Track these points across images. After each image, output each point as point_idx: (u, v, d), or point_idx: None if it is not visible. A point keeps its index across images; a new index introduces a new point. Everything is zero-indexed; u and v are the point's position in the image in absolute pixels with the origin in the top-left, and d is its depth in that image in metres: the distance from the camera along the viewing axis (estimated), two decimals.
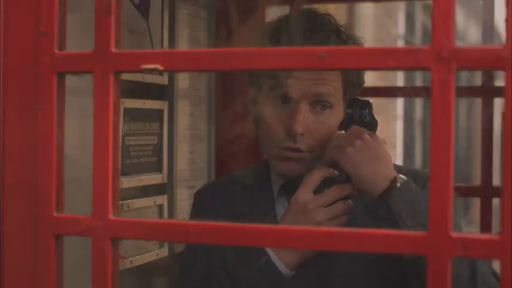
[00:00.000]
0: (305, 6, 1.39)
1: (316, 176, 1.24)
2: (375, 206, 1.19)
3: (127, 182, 1.49)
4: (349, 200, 1.23)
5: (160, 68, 0.77)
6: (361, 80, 1.33)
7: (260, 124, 1.31)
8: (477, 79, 2.08)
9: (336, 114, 1.29)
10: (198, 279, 1.33)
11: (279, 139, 1.27)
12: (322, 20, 1.30)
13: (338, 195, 1.23)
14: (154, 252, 1.62)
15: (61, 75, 0.83)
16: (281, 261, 1.23)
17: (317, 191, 1.24)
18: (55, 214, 0.83)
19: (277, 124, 1.27)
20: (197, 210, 1.43)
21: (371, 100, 1.35)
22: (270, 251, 1.24)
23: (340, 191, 1.23)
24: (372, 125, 1.32)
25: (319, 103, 1.26)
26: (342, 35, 1.30)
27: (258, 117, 1.32)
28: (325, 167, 1.26)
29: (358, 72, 1.31)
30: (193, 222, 0.77)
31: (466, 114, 8.76)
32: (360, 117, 1.32)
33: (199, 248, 1.35)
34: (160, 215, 1.64)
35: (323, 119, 1.27)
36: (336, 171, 1.26)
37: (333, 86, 1.26)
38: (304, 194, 1.23)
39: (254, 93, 1.33)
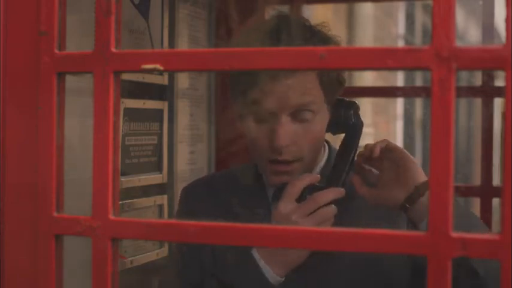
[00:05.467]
0: (276, 13, 1.37)
1: (297, 186, 1.24)
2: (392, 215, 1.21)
3: (127, 182, 1.49)
4: (332, 205, 1.23)
5: (160, 68, 0.77)
6: (340, 78, 1.31)
7: (247, 138, 1.31)
8: (477, 79, 2.08)
9: (320, 119, 1.28)
10: (190, 284, 1.33)
11: (266, 152, 1.27)
12: (293, 27, 1.29)
13: (320, 202, 1.22)
14: (154, 252, 1.62)
15: (61, 75, 0.83)
16: (270, 268, 1.23)
17: (302, 199, 1.24)
18: (55, 214, 0.83)
19: (262, 138, 1.27)
20: (183, 208, 1.43)
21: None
22: (259, 259, 1.24)
23: (322, 197, 1.23)
24: (357, 127, 1.31)
25: (301, 113, 1.25)
26: (313, 39, 1.28)
27: (244, 132, 1.32)
28: (307, 176, 1.26)
29: (335, 71, 1.29)
30: (193, 222, 0.77)
31: (466, 114, 8.76)
32: (345, 119, 1.31)
33: (189, 252, 1.35)
34: (160, 215, 1.63)
35: (307, 127, 1.26)
36: (318, 176, 1.26)
37: (312, 94, 1.25)
38: (286, 204, 1.23)
39: (238, 107, 1.32)
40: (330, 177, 1.29)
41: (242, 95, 1.29)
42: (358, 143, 1.31)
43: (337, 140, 1.39)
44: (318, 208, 1.22)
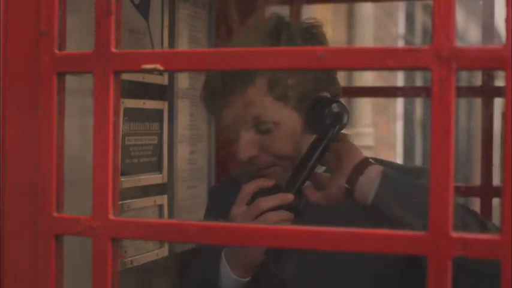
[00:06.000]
0: (273, 15, 1.38)
1: (247, 190, 1.27)
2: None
3: (127, 182, 1.49)
4: (282, 211, 1.24)
5: (160, 68, 0.77)
6: (292, 81, 1.28)
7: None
8: (477, 79, 2.08)
9: (286, 127, 1.28)
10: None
11: (241, 162, 1.30)
12: (291, 30, 1.30)
13: (261, 208, 1.24)
14: (154, 252, 1.62)
15: (61, 75, 0.83)
16: (230, 268, 1.28)
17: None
18: (55, 214, 0.83)
19: (234, 150, 1.30)
20: (212, 205, 1.50)
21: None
22: (223, 259, 1.29)
23: (264, 203, 1.24)
24: (333, 125, 1.28)
25: (259, 125, 1.27)
26: (311, 40, 1.30)
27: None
28: (258, 180, 1.28)
29: (286, 75, 1.28)
30: (193, 222, 0.77)
31: (466, 114, 8.76)
32: (319, 118, 1.29)
33: (198, 252, 1.40)
34: (160, 215, 1.63)
35: (272, 136, 1.27)
36: (270, 181, 1.27)
37: (262, 107, 1.26)
38: (237, 207, 1.26)
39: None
40: (286, 181, 1.28)
41: (211, 110, 1.34)
42: (326, 145, 1.27)
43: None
44: (266, 212, 1.23)
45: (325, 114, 1.29)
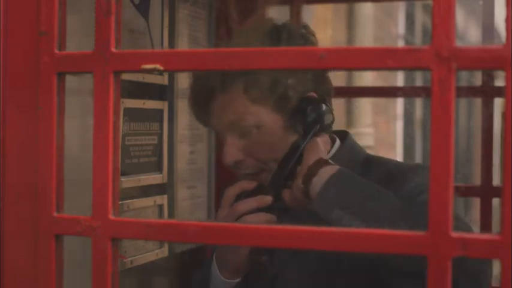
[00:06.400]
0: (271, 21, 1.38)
1: (231, 192, 1.29)
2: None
3: (127, 182, 1.49)
4: (263, 213, 1.25)
5: (160, 68, 0.77)
6: (269, 83, 1.27)
7: None
8: (477, 79, 2.08)
9: (268, 130, 1.27)
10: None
11: (227, 167, 1.32)
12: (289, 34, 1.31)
13: (240, 211, 1.25)
14: (154, 252, 1.62)
15: (61, 75, 0.83)
16: (218, 270, 1.32)
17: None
18: (55, 214, 0.83)
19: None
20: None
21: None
22: (214, 260, 1.33)
23: (242, 206, 1.25)
24: (313, 127, 1.27)
25: (241, 129, 1.27)
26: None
27: None
28: (241, 182, 1.31)
29: (262, 77, 1.27)
30: (193, 222, 0.77)
31: (466, 114, 8.76)
32: (301, 120, 1.28)
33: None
34: (160, 215, 1.63)
35: (254, 139, 1.27)
36: (251, 183, 1.29)
37: (240, 112, 1.26)
38: (221, 210, 1.29)
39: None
40: (268, 182, 1.29)
41: (196, 116, 1.38)
42: (305, 146, 1.26)
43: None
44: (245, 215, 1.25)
45: (306, 115, 1.28)
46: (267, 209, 1.26)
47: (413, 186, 1.22)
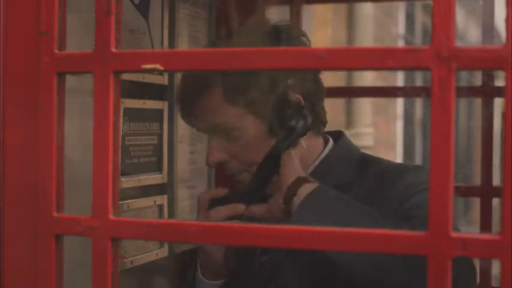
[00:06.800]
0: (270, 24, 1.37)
1: (203, 198, 1.33)
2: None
3: (127, 182, 1.49)
4: (235, 221, 1.25)
5: (160, 68, 0.77)
6: (248, 86, 1.26)
7: None
8: (477, 79, 2.08)
9: (250, 131, 1.27)
10: None
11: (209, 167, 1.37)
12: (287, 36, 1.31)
13: (213, 219, 1.27)
14: (154, 252, 1.62)
15: (61, 75, 0.83)
16: (201, 271, 1.36)
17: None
18: (55, 214, 0.83)
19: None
20: None
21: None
22: (198, 268, 1.38)
23: (214, 214, 1.28)
24: (290, 133, 1.23)
25: (224, 131, 1.28)
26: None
27: None
28: (214, 189, 1.37)
29: (242, 80, 1.26)
30: (193, 222, 0.77)
31: (466, 114, 8.76)
32: (280, 124, 1.25)
33: None
34: (160, 215, 1.63)
35: (239, 142, 1.28)
36: (222, 190, 1.32)
37: (220, 114, 1.26)
38: (197, 215, 1.33)
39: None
40: (244, 190, 1.29)
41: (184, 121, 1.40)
42: (280, 153, 1.23)
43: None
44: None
45: (285, 118, 1.24)
46: (240, 216, 1.27)
47: (403, 189, 1.21)
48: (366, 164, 1.33)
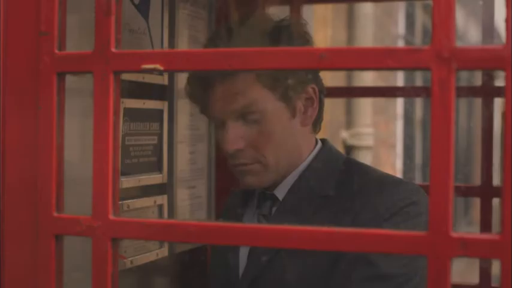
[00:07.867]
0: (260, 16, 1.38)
1: None
2: None
3: (127, 182, 1.49)
4: None
5: (160, 68, 0.77)
6: (280, 71, 1.27)
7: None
8: (477, 79, 2.08)
9: (273, 119, 1.27)
10: None
11: (227, 157, 1.30)
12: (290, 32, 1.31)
13: None
14: (154, 252, 1.62)
15: (61, 75, 0.83)
16: None
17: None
18: (55, 214, 0.83)
19: (220, 144, 1.30)
20: (225, 204, 1.56)
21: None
22: None
23: None
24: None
25: (246, 115, 1.26)
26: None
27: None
28: None
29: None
30: (193, 222, 0.77)
31: (466, 114, 8.76)
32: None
33: None
34: (160, 215, 1.63)
35: (258, 129, 1.26)
36: None
37: (251, 96, 1.25)
38: None
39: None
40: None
41: (196, 103, 1.35)
42: None
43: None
44: None
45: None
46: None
47: (384, 208, 1.21)
48: (352, 168, 1.34)
